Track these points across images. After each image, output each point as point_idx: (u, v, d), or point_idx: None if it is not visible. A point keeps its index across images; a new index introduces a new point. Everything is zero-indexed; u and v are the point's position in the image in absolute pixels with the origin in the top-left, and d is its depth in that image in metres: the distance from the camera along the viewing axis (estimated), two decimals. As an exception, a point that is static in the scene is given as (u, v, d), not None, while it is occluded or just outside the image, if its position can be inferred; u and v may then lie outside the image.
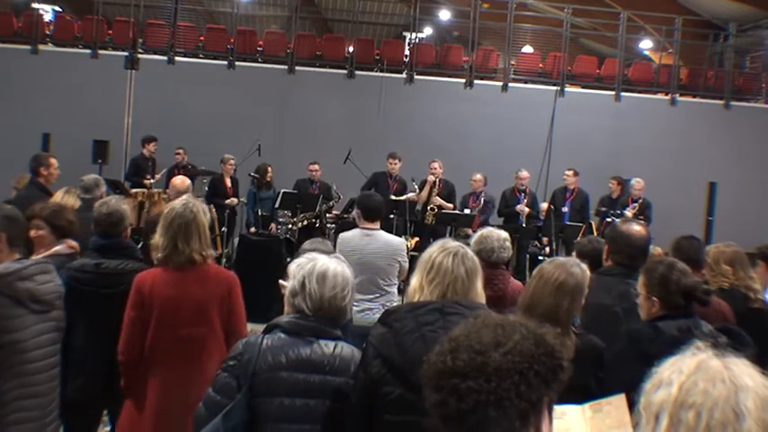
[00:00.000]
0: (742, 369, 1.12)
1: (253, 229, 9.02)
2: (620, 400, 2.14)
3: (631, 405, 2.06)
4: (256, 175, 9.46)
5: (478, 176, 9.21)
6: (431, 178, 8.91)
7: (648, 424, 1.14)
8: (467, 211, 8.98)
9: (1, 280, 2.48)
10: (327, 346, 2.29)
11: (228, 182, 9.55)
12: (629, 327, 2.67)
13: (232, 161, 9.51)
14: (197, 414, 2.29)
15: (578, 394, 2.10)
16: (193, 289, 3.11)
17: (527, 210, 9.16)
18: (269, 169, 9.51)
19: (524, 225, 9.07)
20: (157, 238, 3.14)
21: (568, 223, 9.10)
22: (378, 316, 2.90)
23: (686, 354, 1.18)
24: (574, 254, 3.85)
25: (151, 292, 3.06)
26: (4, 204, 2.84)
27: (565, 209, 9.47)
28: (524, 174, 9.40)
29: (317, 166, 9.45)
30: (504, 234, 4.13)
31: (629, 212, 8.99)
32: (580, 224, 9.04)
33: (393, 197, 8.58)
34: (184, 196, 3.34)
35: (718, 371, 1.12)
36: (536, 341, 1.18)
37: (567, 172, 9.63)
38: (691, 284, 2.60)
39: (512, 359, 1.14)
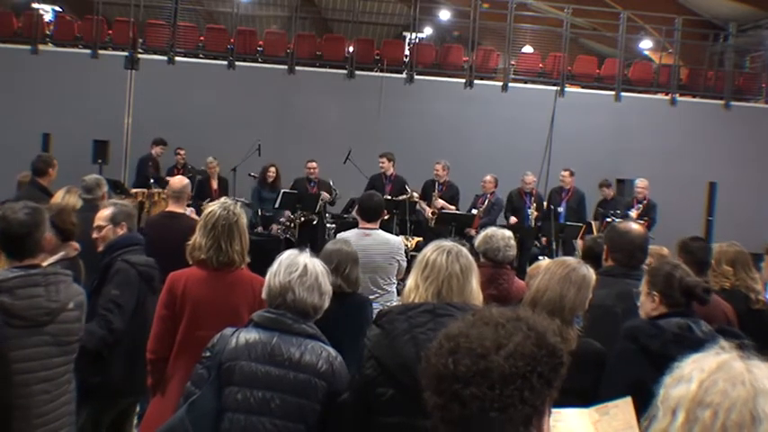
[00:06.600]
0: (764, 373, 1.11)
1: (259, 229, 9.02)
2: (626, 403, 2.13)
3: (638, 408, 2.06)
4: (257, 176, 9.49)
5: (488, 178, 9.16)
6: (438, 202, 8.86)
7: (665, 417, 1.13)
8: (474, 211, 8.97)
9: None
10: (293, 342, 2.31)
11: (214, 183, 9.58)
12: (625, 325, 2.67)
13: (213, 163, 9.58)
14: (177, 406, 2.34)
15: (578, 398, 2.09)
16: (227, 292, 3.13)
17: (536, 213, 9.21)
18: (270, 169, 9.52)
19: (533, 226, 9.09)
20: (198, 240, 3.15)
21: (568, 223, 9.10)
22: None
23: (710, 352, 1.17)
24: (578, 255, 3.85)
25: (184, 291, 3.08)
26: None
27: (561, 209, 9.47)
28: (530, 178, 9.40)
29: (314, 164, 9.44)
30: (509, 233, 4.15)
31: (633, 213, 8.97)
32: (580, 224, 9.04)
33: (388, 196, 8.57)
34: (222, 199, 3.36)
35: (739, 372, 1.11)
36: (537, 341, 1.17)
37: (563, 173, 9.65)
38: (692, 283, 2.62)
39: (514, 363, 1.13)
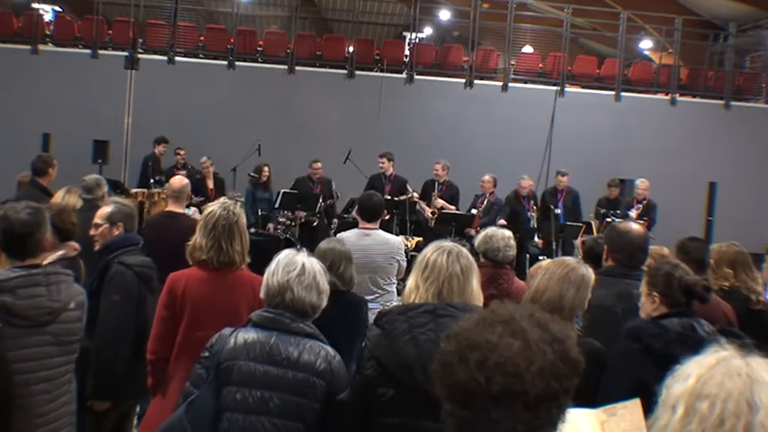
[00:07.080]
0: (762, 366, 1.13)
1: (252, 230, 9.02)
2: (635, 405, 2.12)
3: (645, 409, 2.06)
4: (256, 175, 9.49)
5: (487, 177, 9.16)
6: (438, 202, 8.85)
7: (665, 414, 1.15)
8: (473, 211, 8.97)
9: None
10: (291, 341, 2.32)
11: (210, 183, 9.60)
12: (628, 324, 2.67)
13: (207, 163, 9.61)
14: (177, 407, 2.34)
15: (578, 399, 2.09)
16: (228, 292, 3.13)
17: (536, 215, 9.24)
18: (264, 169, 9.53)
19: (535, 227, 9.12)
20: (198, 240, 3.15)
21: (568, 223, 9.11)
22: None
23: (710, 351, 1.19)
24: (579, 255, 3.86)
25: (184, 292, 3.08)
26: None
27: (558, 210, 9.48)
28: (526, 183, 9.42)
29: (319, 164, 9.45)
30: (509, 233, 4.16)
31: (633, 213, 8.97)
32: (580, 224, 9.04)
33: (388, 196, 8.56)
34: (222, 199, 3.37)
35: (737, 366, 1.13)
36: (562, 356, 1.18)
37: (561, 178, 9.67)
38: (691, 281, 2.63)
39: (545, 382, 1.14)
